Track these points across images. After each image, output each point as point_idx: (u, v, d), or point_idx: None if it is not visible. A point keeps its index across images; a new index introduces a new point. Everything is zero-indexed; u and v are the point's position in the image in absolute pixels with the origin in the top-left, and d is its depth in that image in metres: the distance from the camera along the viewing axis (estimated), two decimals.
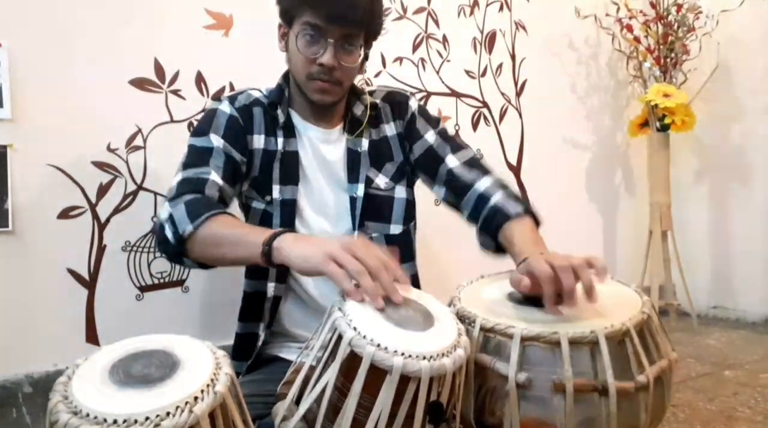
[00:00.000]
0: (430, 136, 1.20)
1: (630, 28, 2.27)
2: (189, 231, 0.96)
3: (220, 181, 1.05)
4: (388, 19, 1.79)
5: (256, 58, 1.53)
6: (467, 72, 2.00)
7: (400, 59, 1.84)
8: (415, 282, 1.23)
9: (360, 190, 1.16)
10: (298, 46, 1.06)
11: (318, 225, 1.15)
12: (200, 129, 1.11)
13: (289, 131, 1.15)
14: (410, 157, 1.22)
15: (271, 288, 1.14)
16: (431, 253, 1.71)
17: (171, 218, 0.98)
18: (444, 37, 1.94)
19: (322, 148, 1.17)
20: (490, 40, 2.05)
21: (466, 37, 2.00)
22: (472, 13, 2.00)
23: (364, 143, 1.18)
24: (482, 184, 1.14)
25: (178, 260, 1.02)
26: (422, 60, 1.89)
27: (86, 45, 1.33)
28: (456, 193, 1.16)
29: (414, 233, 1.25)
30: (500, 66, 2.08)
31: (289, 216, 1.13)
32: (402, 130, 1.22)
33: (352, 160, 1.17)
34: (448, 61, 1.95)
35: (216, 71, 1.49)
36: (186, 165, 1.07)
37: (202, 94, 1.48)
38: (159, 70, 1.42)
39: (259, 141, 1.13)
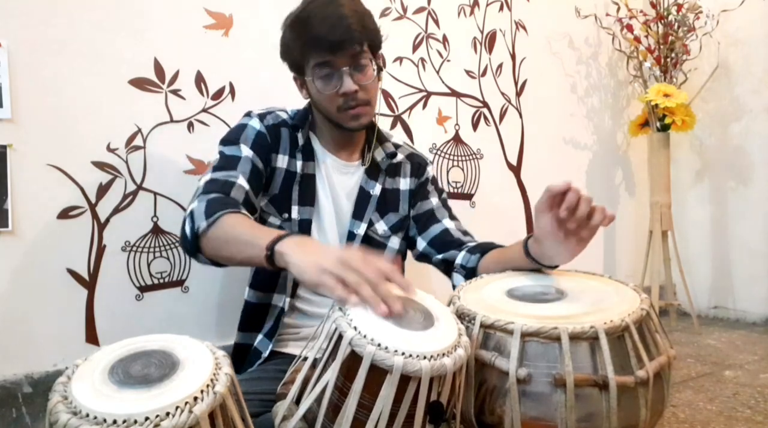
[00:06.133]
0: (434, 200, 1.31)
1: (630, 28, 2.27)
2: (203, 228, 0.98)
3: (246, 186, 1.09)
4: (387, 18, 1.80)
5: (256, 57, 1.53)
6: (467, 72, 2.00)
7: (400, 59, 1.84)
8: None
9: (362, 228, 1.22)
10: (318, 88, 1.11)
11: None
12: (230, 138, 1.16)
13: (308, 155, 1.20)
14: (411, 212, 1.30)
15: (285, 301, 1.17)
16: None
17: (192, 214, 1.02)
18: (444, 36, 1.94)
19: (336, 178, 1.22)
20: (491, 40, 2.05)
21: (466, 37, 1.99)
22: (472, 12, 2.00)
23: (377, 187, 1.24)
24: (471, 245, 1.22)
25: (194, 256, 1.05)
26: (422, 60, 1.89)
27: (86, 45, 1.33)
28: (443, 247, 1.24)
29: None
30: (500, 66, 2.08)
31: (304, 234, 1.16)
32: (414, 187, 1.31)
33: (362, 198, 1.23)
34: (448, 60, 1.95)
35: (216, 71, 1.49)
36: (215, 168, 1.11)
37: (202, 94, 1.47)
38: (159, 69, 1.42)
39: (282, 161, 1.18)
